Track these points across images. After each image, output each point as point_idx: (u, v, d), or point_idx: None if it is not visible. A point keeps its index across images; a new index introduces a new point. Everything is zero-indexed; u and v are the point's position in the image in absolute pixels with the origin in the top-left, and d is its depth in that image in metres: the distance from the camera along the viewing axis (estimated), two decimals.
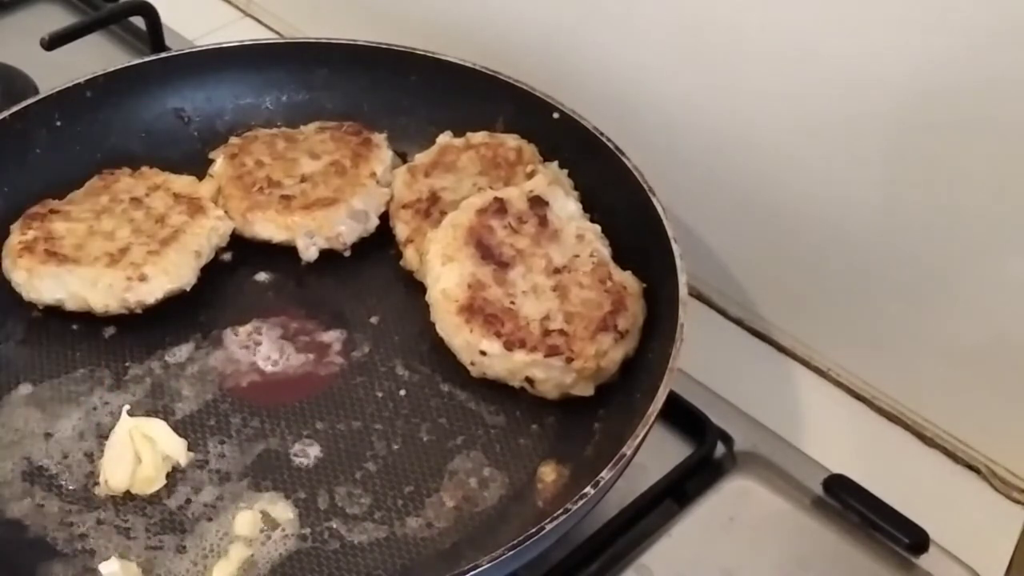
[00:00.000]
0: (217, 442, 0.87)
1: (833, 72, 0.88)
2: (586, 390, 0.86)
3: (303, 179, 1.01)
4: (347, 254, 0.99)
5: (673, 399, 0.89)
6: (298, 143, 1.05)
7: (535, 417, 0.88)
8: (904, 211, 0.89)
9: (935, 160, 0.85)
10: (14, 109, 1.02)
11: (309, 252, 0.98)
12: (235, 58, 1.11)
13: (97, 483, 0.84)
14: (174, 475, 0.85)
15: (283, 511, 0.82)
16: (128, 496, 0.83)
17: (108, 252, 0.93)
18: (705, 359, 0.95)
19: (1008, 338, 0.88)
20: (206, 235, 0.96)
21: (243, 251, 1.00)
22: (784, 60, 0.90)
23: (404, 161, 1.05)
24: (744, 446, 0.93)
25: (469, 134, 1.05)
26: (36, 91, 1.14)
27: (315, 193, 1.00)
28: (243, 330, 0.95)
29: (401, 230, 0.99)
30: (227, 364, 0.93)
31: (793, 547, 0.86)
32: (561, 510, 0.73)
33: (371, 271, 1.00)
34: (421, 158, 1.04)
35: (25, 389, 0.90)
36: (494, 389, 0.89)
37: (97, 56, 1.25)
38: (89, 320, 0.94)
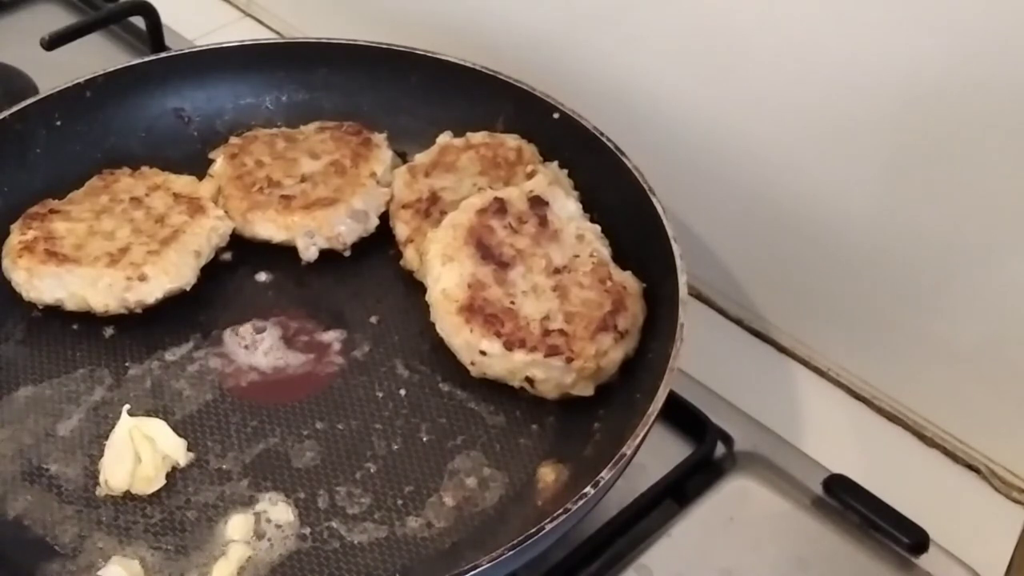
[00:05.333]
0: (217, 442, 0.87)
1: (833, 73, 0.88)
2: (586, 390, 0.86)
3: (303, 179, 1.01)
4: (347, 254, 0.99)
5: (673, 399, 0.89)
6: (298, 143, 1.05)
7: (535, 417, 0.88)
8: (904, 211, 0.89)
9: (934, 161, 0.85)
10: (14, 109, 1.02)
11: (309, 252, 0.98)
12: (235, 58, 1.11)
13: (97, 483, 0.84)
14: (174, 475, 0.85)
15: (283, 511, 0.82)
16: (128, 496, 0.83)
17: (108, 252, 0.93)
18: (705, 359, 0.95)
19: (1008, 338, 0.88)
20: (206, 235, 0.96)
21: (243, 251, 1.00)
22: (784, 61, 0.90)
23: (404, 161, 1.05)
24: (744, 446, 0.93)
25: (469, 134, 1.05)
26: (36, 91, 1.14)
27: (315, 193, 1.00)
28: (243, 330, 0.95)
29: (401, 230, 0.99)
30: (227, 364, 0.93)
31: (793, 547, 0.86)
32: (561, 510, 0.73)
33: (371, 271, 1.00)
34: (421, 158, 1.04)
35: (25, 389, 0.90)
36: (494, 389, 0.89)
37: (97, 56, 1.25)
38: (89, 320, 0.94)
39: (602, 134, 0.98)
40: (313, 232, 0.98)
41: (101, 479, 0.84)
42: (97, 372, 0.92)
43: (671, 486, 0.89)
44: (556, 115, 1.01)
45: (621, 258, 0.93)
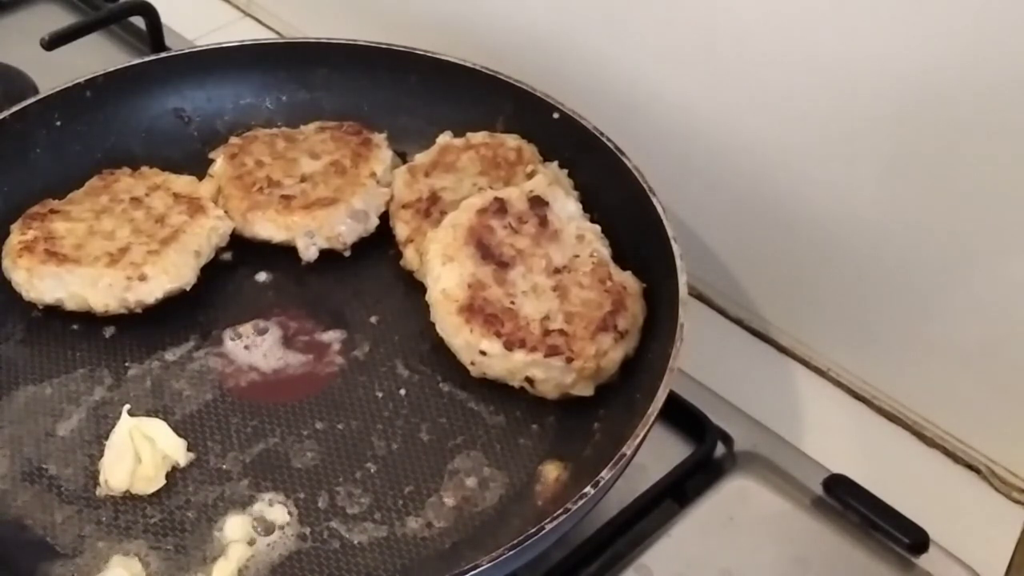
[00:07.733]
0: (217, 442, 0.87)
1: (833, 73, 0.88)
2: (586, 390, 0.86)
3: (303, 179, 1.01)
4: (347, 254, 0.99)
5: (673, 399, 0.89)
6: (298, 143, 1.05)
7: (535, 417, 0.88)
8: (904, 211, 0.89)
9: (935, 161, 0.85)
10: (14, 109, 1.02)
11: (309, 252, 0.98)
12: (235, 58, 1.11)
13: (97, 483, 0.84)
14: (174, 475, 0.85)
15: (282, 511, 0.82)
16: (128, 496, 0.83)
17: (108, 252, 0.93)
18: (705, 359, 0.95)
19: (1008, 338, 0.88)
20: (206, 235, 0.96)
21: (243, 251, 1.00)
22: (784, 61, 0.90)
23: (404, 161, 1.05)
24: (744, 446, 0.93)
25: (469, 134, 1.05)
26: (36, 91, 1.14)
27: (315, 193, 1.00)
28: (243, 330, 0.95)
29: (401, 230, 0.99)
30: (227, 364, 0.93)
31: (793, 547, 0.86)
32: (561, 510, 0.73)
33: (371, 271, 1.00)
34: (421, 158, 1.04)
35: (25, 389, 0.90)
36: (494, 389, 0.89)
37: (97, 56, 1.25)
38: (89, 320, 0.94)
39: (602, 134, 0.98)
40: (313, 232, 0.98)
41: (101, 479, 0.84)
42: (97, 372, 0.92)
43: (671, 486, 0.89)
44: (556, 115, 1.01)
45: (621, 258, 0.93)
